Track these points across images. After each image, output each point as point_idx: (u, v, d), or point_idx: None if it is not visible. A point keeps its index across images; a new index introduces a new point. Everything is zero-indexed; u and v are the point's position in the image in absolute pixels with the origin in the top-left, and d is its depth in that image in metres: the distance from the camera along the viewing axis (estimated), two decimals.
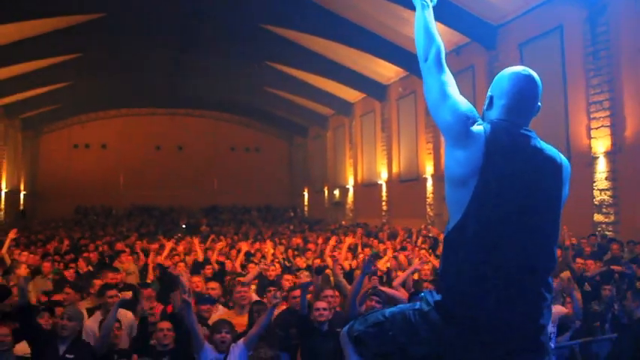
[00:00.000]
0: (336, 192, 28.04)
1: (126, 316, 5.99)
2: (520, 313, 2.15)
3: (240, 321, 5.84)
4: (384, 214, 22.25)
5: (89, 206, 30.91)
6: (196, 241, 12.20)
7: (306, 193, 32.95)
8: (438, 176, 18.24)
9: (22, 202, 28.61)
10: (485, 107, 2.42)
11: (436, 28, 2.44)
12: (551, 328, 5.88)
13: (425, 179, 18.95)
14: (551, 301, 2.23)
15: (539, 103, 2.36)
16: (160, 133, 32.27)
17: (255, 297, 6.72)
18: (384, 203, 22.40)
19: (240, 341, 4.99)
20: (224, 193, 32.38)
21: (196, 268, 9.42)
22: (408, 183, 20.50)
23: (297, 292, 6.04)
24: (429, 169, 18.78)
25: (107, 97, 27.63)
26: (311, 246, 12.93)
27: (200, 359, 4.83)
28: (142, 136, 32.03)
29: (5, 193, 25.50)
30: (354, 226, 20.57)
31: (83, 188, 30.61)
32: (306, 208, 32.92)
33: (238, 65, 22.55)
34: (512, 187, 2.17)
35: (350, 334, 2.48)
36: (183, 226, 23.72)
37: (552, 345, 5.88)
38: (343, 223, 24.09)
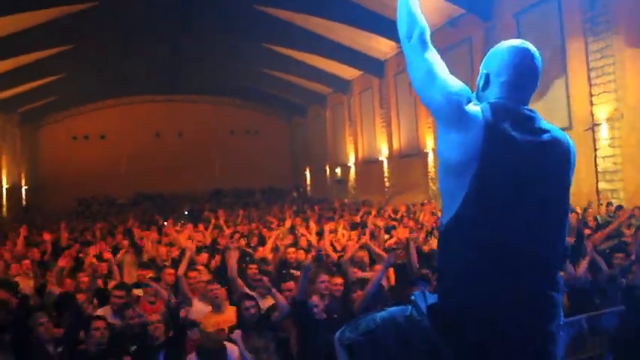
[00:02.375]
0: (338, 170, 27.98)
1: None
2: (528, 319, 1.94)
3: (218, 319, 5.73)
4: (386, 190, 22.19)
5: (92, 197, 30.92)
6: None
7: (308, 173, 32.90)
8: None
9: (24, 197, 28.57)
10: (479, 87, 2.19)
11: (420, 7, 2.24)
12: None
13: (426, 153, 18.84)
14: (561, 299, 2.02)
15: (539, 78, 2.16)
16: (159, 120, 32.10)
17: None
18: (385, 179, 22.33)
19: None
20: (226, 177, 32.29)
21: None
22: (409, 158, 20.40)
23: (291, 285, 5.99)
24: (429, 143, 18.66)
25: (103, 87, 27.39)
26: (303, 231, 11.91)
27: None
28: (140, 124, 31.84)
29: (6, 189, 25.44)
30: (361, 203, 20.48)
31: (85, 180, 30.53)
32: (308, 188, 32.91)
33: (235, 48, 22.31)
34: (516, 174, 1.95)
35: (342, 342, 2.32)
36: (186, 212, 23.66)
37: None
38: (346, 201, 24.04)
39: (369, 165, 24.24)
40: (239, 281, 6.37)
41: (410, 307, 2.21)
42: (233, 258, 6.58)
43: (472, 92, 2.13)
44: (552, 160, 2.04)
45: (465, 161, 1.95)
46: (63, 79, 23.56)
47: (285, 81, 27.20)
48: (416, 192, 19.02)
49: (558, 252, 2.02)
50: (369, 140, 24.18)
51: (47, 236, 10.91)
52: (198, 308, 6.15)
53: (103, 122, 31.60)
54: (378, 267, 5.60)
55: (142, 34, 20.29)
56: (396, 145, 21.62)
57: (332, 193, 27.79)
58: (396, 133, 21.51)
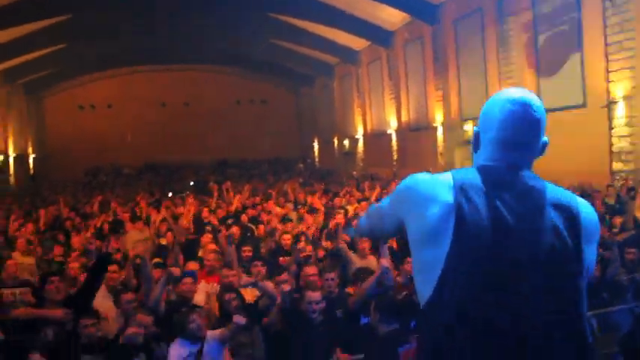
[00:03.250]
0: (346, 142, 27.65)
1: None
2: None
3: None
4: (394, 163, 21.86)
5: (98, 167, 30.87)
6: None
7: (315, 144, 32.56)
8: (448, 125, 17.76)
9: (31, 166, 28.55)
10: (472, 150, 1.84)
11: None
12: None
13: (435, 128, 18.45)
14: None
15: (544, 138, 1.75)
16: (165, 89, 31.83)
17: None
18: (394, 152, 21.99)
19: (217, 333, 4.57)
20: (233, 147, 32.07)
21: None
22: (417, 132, 20.01)
23: (285, 277, 5.71)
24: (438, 118, 18.27)
25: (108, 56, 27.02)
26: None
27: (171, 353, 4.47)
28: (146, 94, 31.60)
29: (14, 157, 25.38)
30: (369, 177, 20.20)
31: (92, 149, 30.54)
32: (316, 159, 32.62)
33: (241, 18, 21.82)
34: (495, 247, 1.58)
35: None
36: (192, 183, 23.49)
37: None
38: (354, 173, 23.79)
39: (377, 137, 23.87)
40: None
41: None
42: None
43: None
44: (549, 231, 1.62)
45: (432, 233, 1.64)
46: (65, 48, 23.32)
47: (292, 51, 26.70)
48: (424, 165, 18.66)
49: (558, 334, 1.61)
50: (378, 112, 23.78)
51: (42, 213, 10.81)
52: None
53: (110, 92, 31.37)
54: (383, 261, 5.26)
55: (146, 2, 19.84)
56: (404, 118, 21.22)
57: (340, 165, 27.52)
58: (405, 106, 21.09)
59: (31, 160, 28.58)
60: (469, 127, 16.46)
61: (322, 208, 11.81)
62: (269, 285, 5.39)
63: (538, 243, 1.60)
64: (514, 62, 14.33)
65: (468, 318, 1.57)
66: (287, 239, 8.02)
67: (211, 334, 4.56)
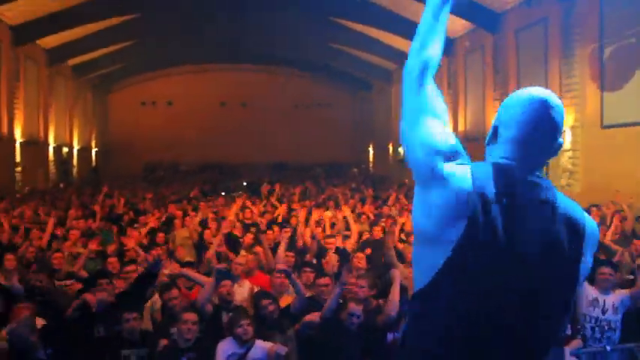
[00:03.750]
0: (401, 149, 27.37)
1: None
2: None
3: None
4: None
5: (157, 162, 31.71)
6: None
7: (371, 149, 32.40)
8: None
9: (93, 159, 29.63)
10: (487, 140, 1.85)
11: (443, 34, 1.83)
12: (612, 317, 5.31)
13: None
14: None
15: (560, 140, 1.76)
16: (225, 89, 32.36)
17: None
18: None
19: (267, 347, 4.62)
20: (289, 150, 32.31)
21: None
22: (473, 143, 19.58)
23: (327, 280, 5.67)
24: None
25: (171, 54, 27.84)
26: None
27: (218, 352, 4.59)
28: (206, 92, 32.23)
29: (78, 150, 26.41)
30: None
31: (151, 145, 31.39)
32: (371, 164, 32.46)
33: (301, 21, 22.01)
34: (507, 258, 1.60)
35: None
36: (245, 183, 23.79)
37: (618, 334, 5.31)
38: (406, 181, 23.50)
39: None
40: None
41: None
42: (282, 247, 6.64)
43: (462, 148, 1.75)
44: (558, 243, 1.65)
45: (437, 227, 1.64)
46: (132, 45, 24.12)
47: (351, 55, 26.70)
48: None
49: (545, 337, 1.68)
50: None
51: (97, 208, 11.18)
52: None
53: (170, 89, 32.15)
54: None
55: (210, 2, 20.28)
56: (461, 127, 20.83)
57: (394, 173, 27.27)
58: (462, 115, 20.71)
59: (93, 154, 29.66)
60: None
61: (371, 216, 11.74)
62: (300, 283, 5.49)
63: (543, 254, 1.63)
64: (576, 75, 13.82)
65: (460, 315, 1.61)
66: (331, 244, 8.03)
67: (261, 345, 4.65)
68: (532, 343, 1.67)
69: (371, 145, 32.27)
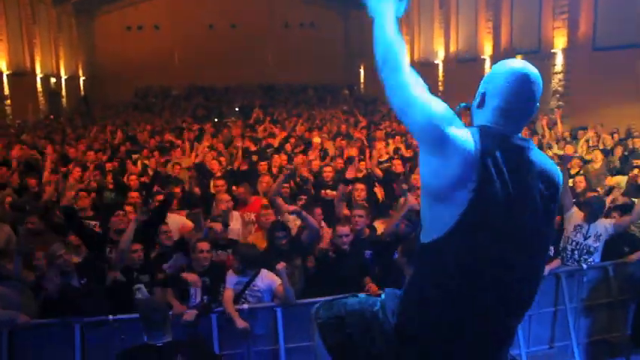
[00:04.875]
0: None
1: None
2: (485, 345, 2.03)
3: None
4: (440, 95, 21.41)
5: (147, 88, 31.34)
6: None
7: (362, 70, 32.07)
8: (497, 57, 17.21)
9: (82, 87, 29.24)
10: (475, 103, 2.06)
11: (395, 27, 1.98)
12: (592, 243, 5.66)
13: (483, 60, 17.95)
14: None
15: (537, 104, 2.00)
16: (212, 10, 31.39)
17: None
18: (440, 84, 21.56)
19: (273, 279, 4.95)
20: (279, 71, 31.91)
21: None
22: (465, 63, 19.50)
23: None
24: (487, 50, 17.74)
25: None
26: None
27: (227, 280, 4.95)
28: (194, 14, 31.28)
29: (65, 79, 26.04)
30: None
31: (140, 70, 30.82)
32: (362, 85, 32.23)
33: None
34: (505, 213, 1.87)
35: (315, 318, 2.38)
36: (237, 109, 23.74)
37: (597, 259, 5.68)
38: None
39: (423, 67, 23.25)
40: (279, 200, 6.39)
41: (379, 303, 2.27)
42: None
43: (455, 113, 1.92)
44: (542, 197, 1.95)
45: (446, 187, 1.86)
46: None
47: None
48: (469, 100, 18.33)
49: (529, 299, 2.04)
50: (426, 41, 23.15)
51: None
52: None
53: (157, 13, 31.29)
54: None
55: None
56: (452, 48, 20.65)
57: (385, 94, 27.11)
58: (454, 36, 20.48)
59: (81, 82, 29.24)
60: None
61: (365, 141, 11.86)
62: (311, 218, 5.69)
63: (532, 209, 1.92)
64: None
65: (466, 268, 1.90)
66: (329, 172, 8.24)
67: (267, 276, 4.98)
68: (523, 293, 2.00)
69: (362, 66, 31.92)
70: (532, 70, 1.97)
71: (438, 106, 1.87)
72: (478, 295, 1.92)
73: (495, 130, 1.93)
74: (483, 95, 2.02)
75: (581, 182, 7.63)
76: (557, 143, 10.85)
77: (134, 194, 7.20)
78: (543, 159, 2.00)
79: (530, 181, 1.92)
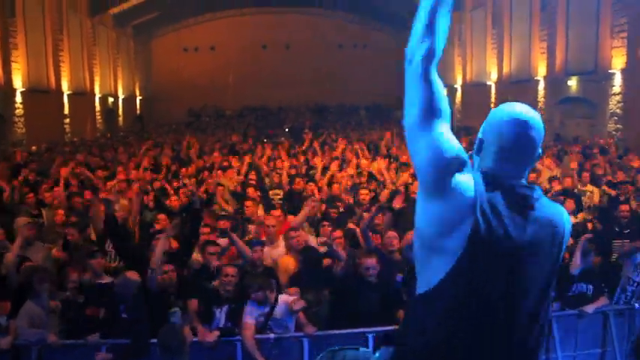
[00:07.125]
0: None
1: None
2: None
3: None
4: None
5: (201, 108, 32.00)
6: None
7: None
8: (551, 78, 16.75)
9: (138, 106, 30.14)
10: (474, 151, 1.91)
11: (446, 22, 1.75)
12: None
13: (537, 81, 17.47)
14: None
15: (539, 150, 1.86)
16: (267, 32, 31.99)
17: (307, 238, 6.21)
18: (492, 105, 21.08)
19: (289, 301, 4.81)
20: (332, 92, 32.05)
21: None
22: (518, 85, 19.03)
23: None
24: (541, 71, 17.24)
25: None
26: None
27: (246, 313, 4.80)
28: (248, 36, 31.89)
29: (123, 99, 26.91)
30: (462, 129, 19.60)
31: (195, 91, 31.57)
32: None
33: None
34: (504, 263, 1.74)
35: None
36: (287, 129, 23.87)
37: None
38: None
39: (476, 88, 22.96)
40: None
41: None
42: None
43: (467, 155, 1.75)
44: (545, 245, 1.82)
45: (444, 234, 1.71)
46: None
47: None
48: None
49: (536, 336, 1.86)
50: (478, 62, 22.78)
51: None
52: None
53: (212, 34, 32.07)
54: None
55: None
56: (506, 70, 20.20)
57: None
58: (507, 57, 20.03)
59: (138, 102, 30.15)
60: (573, 83, 15.45)
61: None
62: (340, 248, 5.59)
63: (532, 254, 1.78)
64: (630, 14, 13.11)
65: (461, 317, 1.74)
66: (365, 195, 8.09)
67: (283, 299, 4.84)
68: (523, 337, 1.82)
69: None
70: (531, 114, 1.82)
71: (449, 145, 1.69)
72: (477, 344, 1.78)
73: (496, 175, 1.80)
74: (481, 142, 1.88)
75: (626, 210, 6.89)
76: (610, 167, 10.36)
77: (161, 216, 7.17)
78: (548, 205, 1.85)
79: (538, 230, 1.79)
